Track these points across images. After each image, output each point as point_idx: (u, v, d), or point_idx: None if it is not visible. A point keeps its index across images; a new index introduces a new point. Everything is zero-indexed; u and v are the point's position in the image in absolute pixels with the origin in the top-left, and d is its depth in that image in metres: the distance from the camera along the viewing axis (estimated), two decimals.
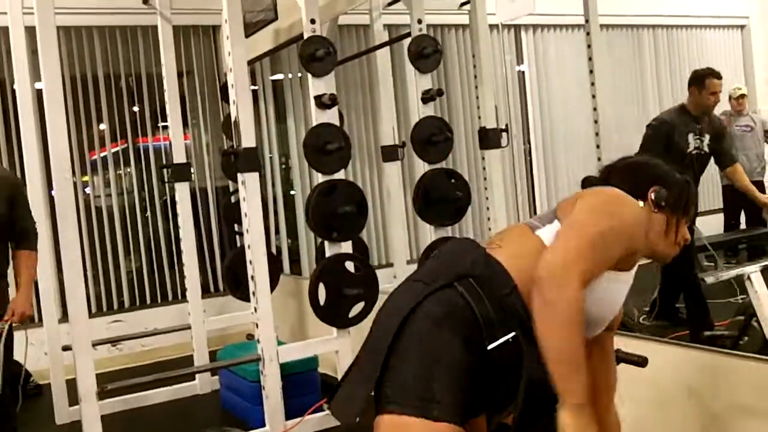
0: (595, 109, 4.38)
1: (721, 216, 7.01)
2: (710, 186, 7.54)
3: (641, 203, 1.92)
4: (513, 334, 1.73)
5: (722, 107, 6.88)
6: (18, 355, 5.65)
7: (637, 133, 7.84)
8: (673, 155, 4.56)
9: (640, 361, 2.43)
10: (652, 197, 1.93)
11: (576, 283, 1.68)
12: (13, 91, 5.14)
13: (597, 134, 4.39)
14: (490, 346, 1.72)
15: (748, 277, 3.40)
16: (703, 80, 4.66)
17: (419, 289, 1.82)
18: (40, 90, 3.81)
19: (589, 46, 4.37)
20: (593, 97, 4.38)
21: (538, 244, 1.84)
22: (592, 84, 4.37)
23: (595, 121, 4.40)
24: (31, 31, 4.17)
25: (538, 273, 1.69)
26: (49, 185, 5.35)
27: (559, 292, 1.66)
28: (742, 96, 6.74)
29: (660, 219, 1.95)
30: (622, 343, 2.65)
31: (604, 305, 1.92)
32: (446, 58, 6.85)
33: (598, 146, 4.42)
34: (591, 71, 4.36)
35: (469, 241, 1.97)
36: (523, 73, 7.55)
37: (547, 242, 1.83)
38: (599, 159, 4.43)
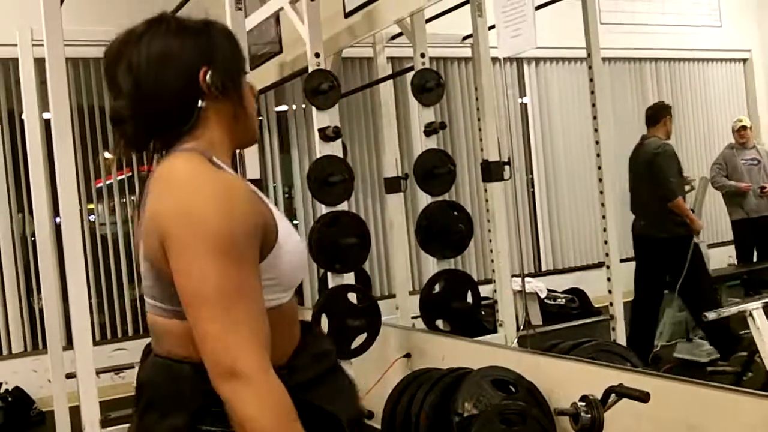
0: (597, 142, 4.42)
1: (726, 249, 7.00)
2: (718, 219, 7.56)
3: (202, 102, 1.47)
4: None
5: (726, 140, 6.93)
6: (22, 383, 5.70)
7: None
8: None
9: (642, 396, 2.44)
10: (209, 83, 1.46)
11: (255, 373, 1.31)
12: (22, 121, 5.20)
13: (599, 167, 4.43)
14: None
15: (750, 314, 3.39)
16: None
17: None
18: (48, 120, 3.85)
19: (591, 80, 4.42)
20: (595, 130, 4.42)
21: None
22: (594, 117, 4.41)
23: (598, 155, 4.43)
24: (40, 63, 4.23)
25: (216, 388, 1.32)
26: (56, 213, 5.40)
27: (248, 406, 1.30)
28: (744, 128, 6.69)
29: (233, 105, 1.52)
30: (623, 378, 2.66)
31: (291, 265, 1.51)
32: (449, 90, 6.90)
33: (600, 179, 4.45)
34: (593, 104, 4.41)
35: (164, 364, 1.49)
36: (526, 105, 7.61)
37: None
38: (601, 192, 4.46)
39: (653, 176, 5.19)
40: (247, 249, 1.36)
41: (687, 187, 5.54)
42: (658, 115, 5.45)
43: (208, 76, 1.45)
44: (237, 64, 1.54)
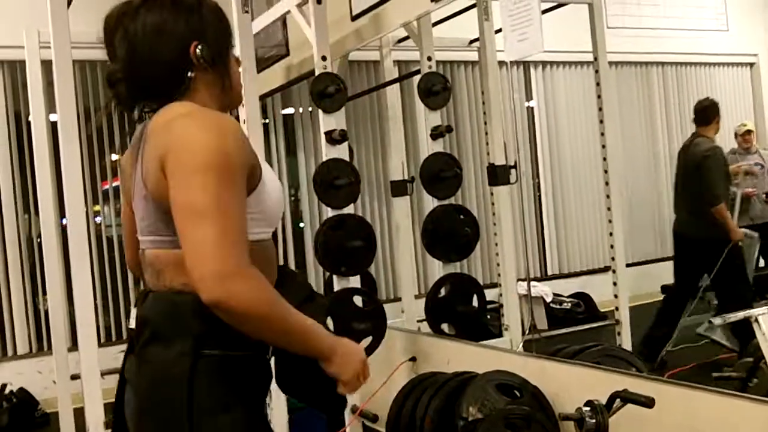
0: (603, 146, 4.41)
1: None
2: None
3: (191, 73, 1.62)
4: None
5: (730, 145, 6.91)
6: (27, 384, 5.71)
7: (646, 169, 7.95)
8: None
9: (647, 402, 2.43)
10: (198, 56, 1.62)
11: (247, 278, 1.45)
12: (28, 123, 5.21)
13: (606, 171, 4.42)
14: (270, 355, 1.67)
15: (756, 320, 3.38)
16: None
17: (171, 397, 1.55)
18: (55, 122, 3.86)
19: (597, 84, 4.41)
20: (602, 134, 4.41)
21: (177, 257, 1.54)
22: (601, 121, 4.40)
23: (604, 159, 4.43)
24: (47, 65, 4.24)
25: (202, 292, 1.44)
26: (62, 214, 5.41)
27: (241, 301, 1.44)
28: (749, 132, 6.67)
29: (220, 73, 1.68)
30: (628, 383, 2.65)
31: (273, 204, 1.68)
32: (456, 94, 6.91)
33: (607, 183, 4.44)
34: (600, 108, 4.40)
35: (166, 296, 1.62)
36: (532, 109, 7.60)
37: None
38: (608, 196, 4.46)
39: (700, 178, 5.17)
40: (237, 176, 1.51)
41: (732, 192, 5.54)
42: (709, 114, 5.42)
43: (198, 50, 1.61)
44: (225, 39, 1.70)
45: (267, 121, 6.64)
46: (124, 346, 5.57)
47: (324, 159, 3.91)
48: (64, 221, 4.41)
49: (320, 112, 3.90)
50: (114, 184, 6.56)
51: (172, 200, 1.49)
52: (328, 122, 3.89)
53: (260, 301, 1.46)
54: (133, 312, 1.69)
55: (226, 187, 1.47)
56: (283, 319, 1.52)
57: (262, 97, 5.14)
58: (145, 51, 1.61)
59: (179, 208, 1.48)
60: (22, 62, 4.91)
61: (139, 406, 1.63)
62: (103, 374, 4.02)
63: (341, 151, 3.92)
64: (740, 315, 3.47)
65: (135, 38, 1.61)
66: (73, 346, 4.29)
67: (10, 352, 6.01)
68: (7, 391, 5.57)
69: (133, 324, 1.67)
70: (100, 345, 4.18)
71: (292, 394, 1.80)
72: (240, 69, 1.81)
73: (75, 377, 4.30)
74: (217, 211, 1.45)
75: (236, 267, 1.44)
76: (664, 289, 5.75)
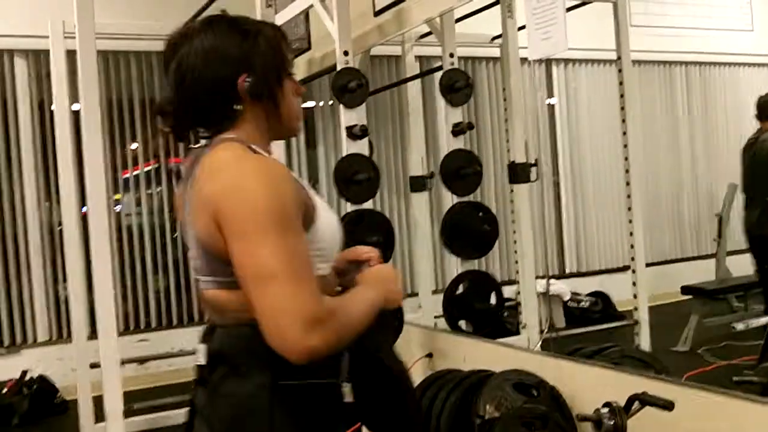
0: (625, 145, 4.39)
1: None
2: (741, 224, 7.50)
3: (237, 106, 1.59)
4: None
5: None
6: (47, 371, 5.76)
7: (667, 169, 7.90)
8: None
9: (666, 405, 2.42)
10: (246, 91, 1.59)
11: (330, 320, 1.47)
12: (51, 112, 5.25)
13: (627, 171, 4.40)
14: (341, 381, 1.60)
15: None
16: None
17: (253, 429, 1.57)
18: (77, 111, 3.89)
19: (620, 83, 4.39)
20: (624, 133, 4.39)
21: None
22: (623, 120, 4.38)
23: (626, 158, 4.41)
24: (70, 55, 4.27)
25: (292, 354, 1.44)
26: (82, 202, 5.45)
27: (335, 340, 1.48)
28: None
29: (266, 108, 1.63)
30: (647, 386, 2.64)
31: (330, 236, 1.69)
32: (477, 90, 6.88)
33: (628, 183, 4.42)
34: (622, 107, 4.38)
35: (240, 330, 1.58)
36: (554, 106, 7.57)
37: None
38: (629, 196, 4.44)
39: None
40: (295, 220, 1.50)
41: None
42: None
43: (246, 84, 1.57)
44: (277, 72, 1.63)
45: None
46: (144, 335, 5.65)
47: (344, 154, 3.91)
48: (85, 209, 4.44)
49: (341, 106, 3.90)
50: (134, 173, 6.59)
51: (237, 261, 1.47)
52: (349, 117, 3.89)
53: (342, 333, 1.50)
54: (201, 347, 1.66)
55: (287, 238, 1.46)
56: (360, 319, 1.56)
57: None
58: (192, 81, 1.58)
59: (246, 272, 1.47)
60: (47, 52, 4.95)
61: None
62: (122, 363, 4.06)
63: (361, 147, 3.93)
64: (763, 320, 3.45)
65: (185, 65, 1.58)
66: (93, 334, 4.33)
67: (30, 340, 6.07)
68: (27, 378, 5.62)
69: (201, 359, 1.65)
70: (119, 334, 4.22)
71: (372, 426, 1.76)
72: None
73: (94, 365, 4.33)
74: (284, 271, 1.44)
75: (316, 316, 1.44)
76: (684, 289, 5.72)
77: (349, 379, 1.60)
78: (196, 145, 1.67)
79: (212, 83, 1.58)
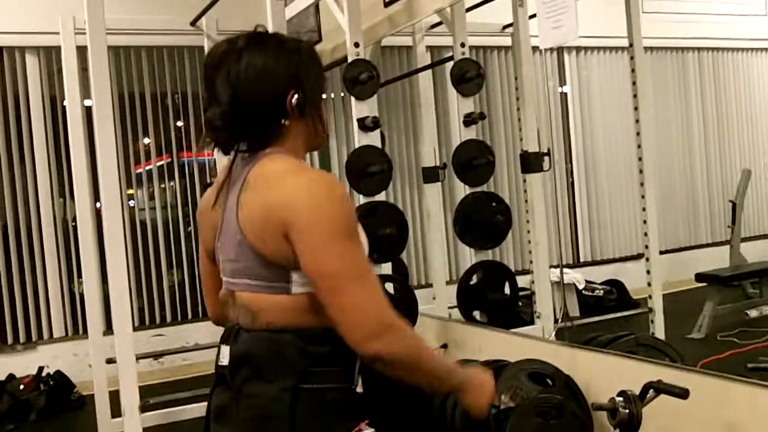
0: (638, 133, 4.37)
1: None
2: (758, 209, 7.46)
3: (285, 121, 1.67)
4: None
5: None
6: (63, 367, 5.80)
7: (680, 156, 7.87)
8: None
9: (681, 393, 2.41)
10: (294, 106, 1.66)
11: (399, 328, 1.61)
12: (64, 108, 5.26)
13: (640, 159, 4.37)
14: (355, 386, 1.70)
15: None
16: None
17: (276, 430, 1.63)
18: (89, 107, 3.90)
19: (633, 70, 4.36)
20: (636, 121, 4.36)
21: (310, 298, 1.63)
22: (636, 108, 4.35)
23: (639, 146, 4.38)
24: (81, 51, 4.28)
25: (366, 351, 1.57)
26: (96, 198, 5.47)
27: (398, 349, 1.60)
28: None
29: (310, 123, 1.72)
30: (662, 373, 2.63)
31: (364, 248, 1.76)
32: (488, 79, 6.87)
33: (641, 171, 4.40)
34: (634, 95, 4.35)
35: (266, 335, 1.66)
36: (566, 95, 7.54)
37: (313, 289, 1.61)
38: (642, 183, 4.41)
39: None
40: (357, 230, 1.62)
41: None
42: None
43: (294, 99, 1.65)
44: (320, 86, 1.75)
45: None
46: (159, 330, 5.67)
47: (356, 146, 3.90)
48: (99, 205, 4.46)
49: (352, 98, 3.89)
50: (147, 168, 6.61)
51: (310, 270, 1.57)
52: (360, 109, 3.88)
53: (412, 348, 1.63)
54: (224, 349, 1.72)
55: (356, 248, 1.59)
56: (428, 361, 1.69)
57: None
58: (247, 98, 1.64)
59: (323, 279, 1.57)
60: (58, 48, 4.96)
61: None
62: (137, 358, 4.08)
63: (373, 138, 3.92)
64: None
65: (237, 82, 1.63)
66: (108, 329, 4.35)
67: (46, 336, 6.10)
68: (44, 374, 5.65)
69: (224, 361, 1.71)
70: (134, 329, 4.24)
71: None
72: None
73: (110, 361, 4.35)
74: (358, 276, 1.57)
75: (389, 321, 1.59)
76: (699, 276, 5.70)
77: (360, 381, 1.70)
78: (235, 157, 1.72)
79: (267, 100, 1.65)
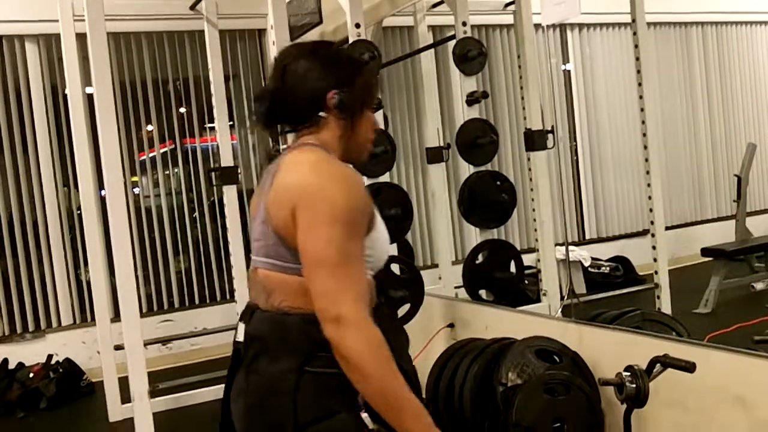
0: (642, 109, 4.35)
1: None
2: (763, 183, 7.44)
3: (323, 114, 1.82)
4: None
5: None
6: (72, 354, 5.82)
7: (685, 131, 7.84)
8: None
9: (688, 366, 2.41)
10: (333, 104, 1.82)
11: (360, 327, 1.60)
12: (65, 96, 5.26)
13: (644, 135, 4.36)
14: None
15: None
16: None
17: (279, 406, 1.70)
18: (91, 94, 3.89)
19: (636, 46, 4.34)
20: (640, 97, 4.35)
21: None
22: (639, 84, 4.33)
23: (643, 122, 4.37)
24: (81, 38, 4.26)
25: (325, 332, 1.61)
26: (100, 186, 5.47)
27: (349, 345, 1.59)
28: None
29: (349, 125, 1.85)
30: (669, 347, 2.63)
31: (380, 247, 1.84)
32: (491, 58, 6.83)
33: (645, 147, 4.39)
34: (638, 71, 4.33)
35: (275, 316, 1.76)
36: (569, 72, 7.50)
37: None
38: (647, 159, 4.40)
39: None
40: (361, 226, 1.69)
41: None
42: None
43: (333, 98, 1.81)
44: (362, 99, 1.87)
45: None
46: (166, 316, 5.68)
47: None
48: (103, 193, 4.46)
49: None
50: (151, 155, 6.61)
51: (302, 247, 1.66)
52: None
53: (368, 353, 1.60)
54: (240, 327, 1.84)
55: (350, 239, 1.65)
56: (384, 380, 1.62)
57: None
58: (291, 83, 1.83)
59: (308, 257, 1.65)
60: (58, 36, 4.96)
61: (247, 411, 1.79)
62: (145, 344, 4.09)
63: (376, 119, 3.91)
64: None
65: (288, 73, 1.83)
66: (116, 316, 4.36)
67: (54, 324, 6.12)
68: (53, 362, 5.68)
69: (240, 338, 1.83)
70: (142, 315, 4.25)
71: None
72: (371, 134, 1.96)
73: (119, 347, 4.37)
74: (338, 264, 1.62)
75: (353, 314, 1.60)
76: (704, 251, 5.69)
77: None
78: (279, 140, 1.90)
79: (307, 89, 1.82)
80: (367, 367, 1.60)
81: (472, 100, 4.33)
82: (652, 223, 4.37)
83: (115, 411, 4.83)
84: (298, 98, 1.83)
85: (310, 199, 1.66)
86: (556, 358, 3.29)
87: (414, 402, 1.65)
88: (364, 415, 1.71)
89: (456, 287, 4.78)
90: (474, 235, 4.47)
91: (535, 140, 4.36)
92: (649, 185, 4.37)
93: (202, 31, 5.07)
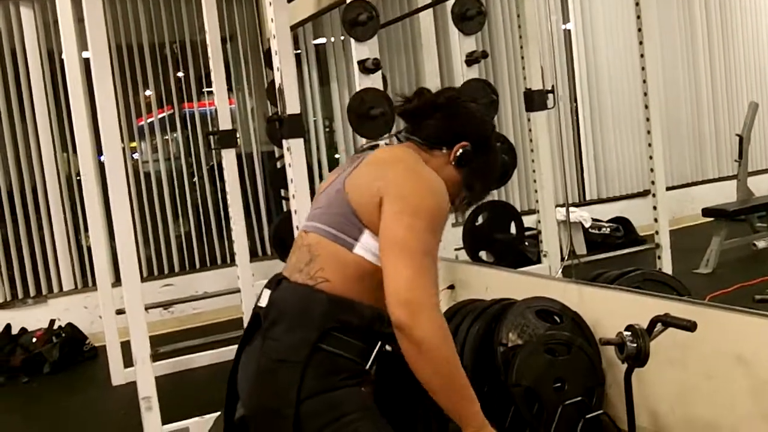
0: (643, 68, 4.32)
1: None
2: (765, 143, 7.40)
3: (444, 150, 1.95)
4: (387, 347, 1.81)
5: None
6: (74, 319, 5.84)
7: (686, 92, 7.79)
8: None
9: (689, 326, 2.41)
10: (457, 154, 1.95)
11: (433, 312, 1.67)
12: (61, 61, 5.21)
13: (645, 94, 4.34)
14: (368, 367, 1.79)
15: None
16: None
17: (287, 374, 1.75)
18: (87, 59, 3.85)
19: (637, 4, 4.30)
20: (641, 56, 4.31)
21: (365, 266, 1.79)
22: (641, 43, 4.30)
23: (644, 81, 4.34)
24: (76, 1, 4.21)
25: (393, 314, 1.66)
26: (99, 152, 5.45)
27: (423, 329, 1.64)
28: None
29: (453, 173, 1.96)
30: (669, 308, 2.63)
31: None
32: (491, 18, 6.76)
33: (646, 106, 4.36)
34: (639, 29, 4.29)
35: (303, 290, 1.83)
36: (569, 31, 7.43)
37: (373, 260, 1.78)
38: (648, 119, 4.38)
39: None
40: (441, 226, 1.79)
41: None
42: None
43: (461, 148, 1.94)
44: (482, 174, 2.00)
45: (299, 51, 6.58)
46: (167, 280, 5.67)
47: (357, 89, 3.87)
48: (102, 158, 4.44)
49: (353, 41, 3.84)
50: (149, 120, 6.58)
51: (385, 232, 1.74)
52: (360, 51, 3.84)
53: (437, 338, 1.66)
54: (265, 293, 1.89)
55: (432, 234, 1.74)
56: (450, 366, 1.69)
57: (293, 28, 5.07)
58: (454, 110, 1.98)
59: (390, 240, 1.72)
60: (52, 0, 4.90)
61: (257, 374, 1.84)
62: (146, 308, 4.09)
63: (375, 81, 3.88)
64: None
65: (458, 101, 2.00)
66: (117, 281, 4.36)
67: (56, 289, 6.13)
68: (55, 326, 5.70)
69: (262, 303, 1.88)
70: (142, 279, 4.25)
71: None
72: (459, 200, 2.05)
73: (120, 312, 4.38)
74: (415, 252, 1.69)
75: (427, 300, 1.67)
76: (705, 211, 5.68)
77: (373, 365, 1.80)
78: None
79: (458, 123, 1.97)
80: (440, 352, 1.66)
81: (471, 60, 4.29)
82: (652, 183, 4.36)
83: (118, 375, 4.86)
84: (448, 122, 1.96)
85: (404, 190, 1.77)
86: (557, 318, 3.29)
87: (471, 389, 1.73)
88: (364, 389, 1.77)
89: (456, 249, 4.78)
90: None
91: (535, 100, 4.34)
92: (650, 145, 4.35)
93: None
